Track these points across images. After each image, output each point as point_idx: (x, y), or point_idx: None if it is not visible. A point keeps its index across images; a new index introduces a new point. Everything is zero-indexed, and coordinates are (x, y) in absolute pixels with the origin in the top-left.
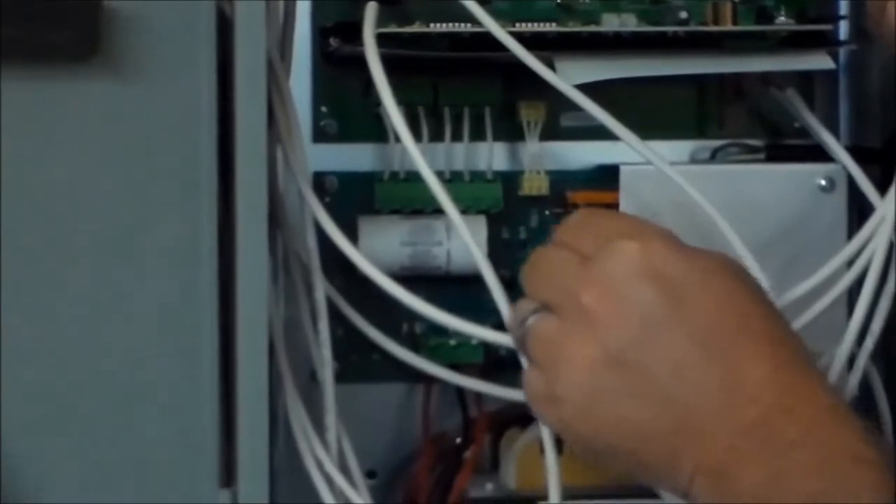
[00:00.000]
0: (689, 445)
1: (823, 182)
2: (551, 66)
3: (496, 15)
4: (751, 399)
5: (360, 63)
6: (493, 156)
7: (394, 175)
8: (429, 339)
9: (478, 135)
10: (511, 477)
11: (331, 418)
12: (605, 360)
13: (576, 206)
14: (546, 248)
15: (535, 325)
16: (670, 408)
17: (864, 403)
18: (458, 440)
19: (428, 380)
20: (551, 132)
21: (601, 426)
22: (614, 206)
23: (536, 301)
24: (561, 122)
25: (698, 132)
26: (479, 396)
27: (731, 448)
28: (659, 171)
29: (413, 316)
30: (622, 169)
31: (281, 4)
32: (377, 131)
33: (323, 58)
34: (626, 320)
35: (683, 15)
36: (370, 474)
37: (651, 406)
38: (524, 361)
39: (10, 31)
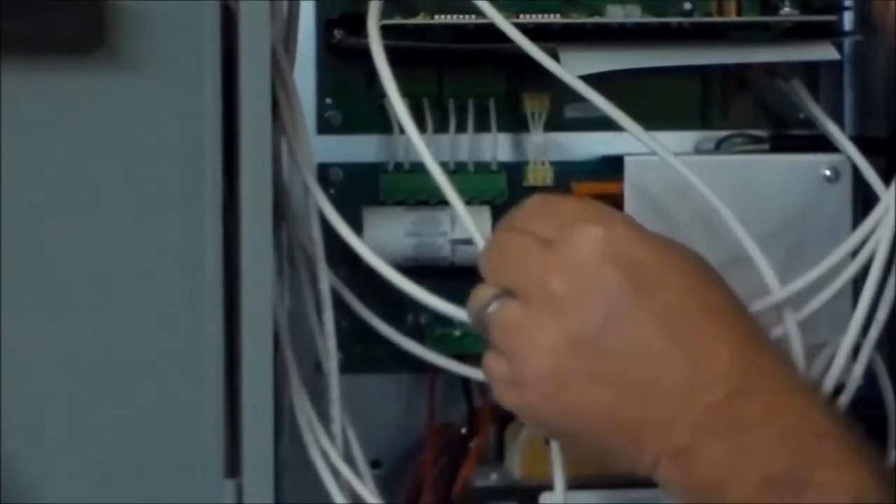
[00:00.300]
0: (654, 429)
1: (828, 172)
2: (556, 58)
3: (500, 6)
4: (715, 380)
5: (365, 55)
6: (497, 147)
7: (398, 166)
8: (434, 329)
9: (482, 126)
10: (516, 466)
11: (336, 409)
12: (572, 345)
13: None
14: (505, 233)
15: (497, 311)
16: (636, 392)
17: (868, 394)
18: (463, 430)
19: (433, 370)
20: (556, 123)
21: (566, 411)
22: (619, 196)
23: (497, 287)
24: (565, 113)
25: (703, 123)
26: (483, 387)
27: (695, 429)
28: (664, 161)
29: (418, 307)
30: (627, 160)
31: None
32: (382, 123)
33: (327, 50)
34: (594, 305)
35: (688, 6)
36: (375, 464)
37: (617, 390)
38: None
39: (16, 25)
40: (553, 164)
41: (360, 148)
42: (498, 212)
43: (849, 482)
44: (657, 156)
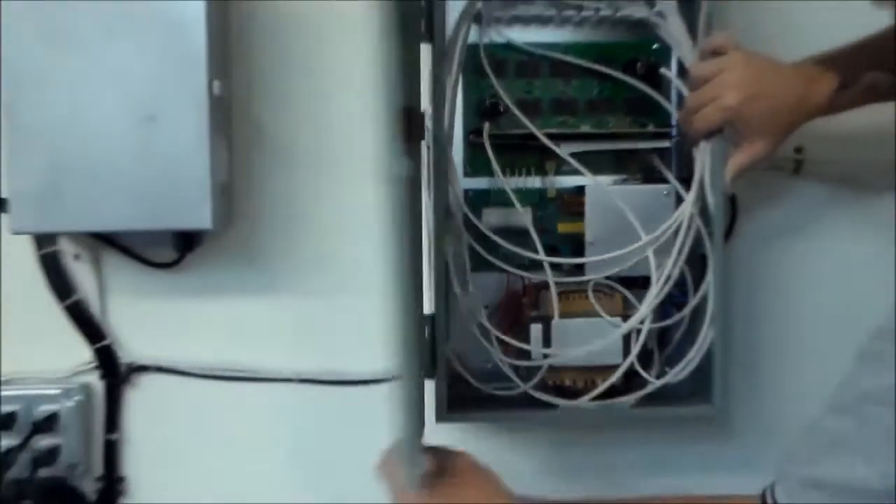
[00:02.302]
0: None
1: (665, 192)
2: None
3: (539, 126)
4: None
5: (483, 146)
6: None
7: (497, 194)
8: None
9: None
10: None
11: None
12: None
13: None
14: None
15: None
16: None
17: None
18: None
19: None
20: (562, 173)
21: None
22: (581, 205)
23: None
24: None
25: (620, 170)
26: None
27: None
28: (602, 188)
29: None
30: (587, 187)
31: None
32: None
33: (469, 144)
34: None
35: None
36: None
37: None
38: None
39: None
40: (560, 189)
41: (478, 184)
42: (535, 209)
43: None
44: (600, 186)
